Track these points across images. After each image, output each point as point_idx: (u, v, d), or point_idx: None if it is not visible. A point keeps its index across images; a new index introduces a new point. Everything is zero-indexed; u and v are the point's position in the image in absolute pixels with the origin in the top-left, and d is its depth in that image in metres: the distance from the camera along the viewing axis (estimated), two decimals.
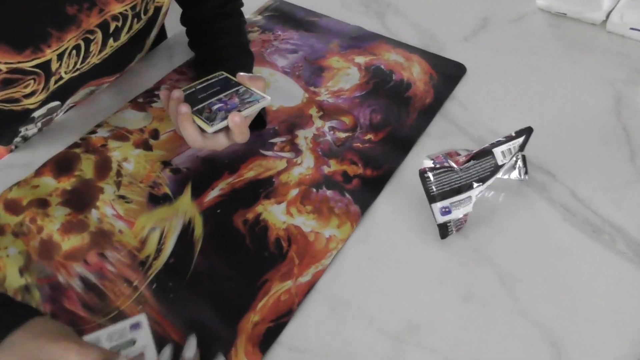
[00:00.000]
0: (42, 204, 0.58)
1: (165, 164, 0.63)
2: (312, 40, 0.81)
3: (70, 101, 0.66)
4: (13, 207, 0.58)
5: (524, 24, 0.86)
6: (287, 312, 0.51)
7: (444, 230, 0.56)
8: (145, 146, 0.65)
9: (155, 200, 0.59)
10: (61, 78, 0.58)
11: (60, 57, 0.55)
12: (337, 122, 0.69)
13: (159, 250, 0.55)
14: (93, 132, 0.66)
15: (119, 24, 0.60)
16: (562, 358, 0.49)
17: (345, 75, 0.75)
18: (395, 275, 0.54)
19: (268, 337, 0.49)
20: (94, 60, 0.61)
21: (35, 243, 0.55)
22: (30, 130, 0.65)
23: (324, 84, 0.74)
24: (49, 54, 0.54)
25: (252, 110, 0.58)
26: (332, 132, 0.68)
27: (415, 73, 0.76)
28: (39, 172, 0.61)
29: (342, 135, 0.67)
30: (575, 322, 0.51)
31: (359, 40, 0.81)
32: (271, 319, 0.51)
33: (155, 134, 0.66)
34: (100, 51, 0.61)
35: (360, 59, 0.78)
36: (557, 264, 0.55)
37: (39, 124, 0.65)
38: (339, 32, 0.83)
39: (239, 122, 0.56)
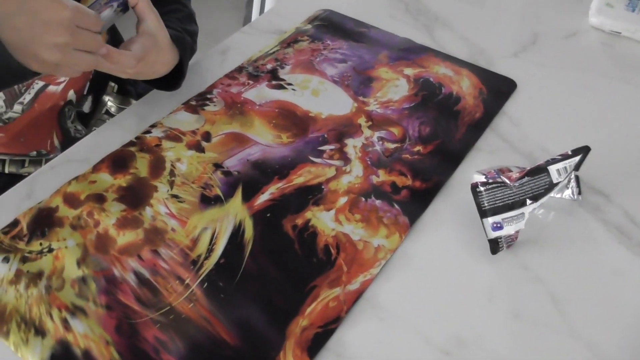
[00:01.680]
0: (99, 199, 0.60)
1: (217, 166, 0.64)
2: (361, 50, 0.82)
3: None
4: (71, 200, 0.60)
5: (576, 42, 0.85)
6: (336, 319, 0.51)
7: (494, 246, 0.56)
8: (198, 148, 0.66)
9: (207, 201, 0.61)
10: None
11: None
12: (386, 132, 0.69)
13: (210, 250, 0.56)
14: (147, 132, 0.68)
15: None
16: None
17: (394, 87, 0.76)
18: (443, 289, 0.54)
19: (316, 342, 0.50)
20: None
21: (92, 236, 0.57)
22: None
23: (373, 95, 0.74)
24: None
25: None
26: (381, 142, 0.68)
27: (465, 87, 0.76)
28: (96, 168, 0.63)
29: (391, 146, 0.68)
30: (628, 346, 0.50)
31: (408, 52, 0.82)
32: (319, 325, 0.51)
33: (207, 137, 0.68)
34: None
35: (409, 71, 0.78)
36: (611, 287, 0.54)
37: (1, 94, 0.67)
38: (387, 43, 0.83)
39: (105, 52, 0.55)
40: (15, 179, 0.67)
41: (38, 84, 0.71)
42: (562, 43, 0.84)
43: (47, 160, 0.77)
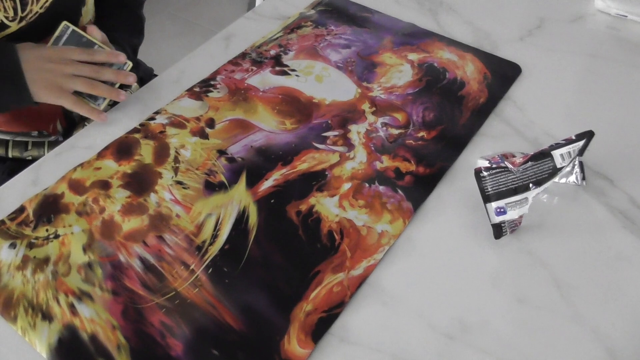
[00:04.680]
0: (104, 185, 0.60)
1: (221, 152, 0.64)
2: (365, 35, 0.81)
3: None
4: (77, 187, 0.60)
5: (582, 25, 0.84)
6: (339, 303, 0.52)
7: (498, 231, 0.56)
8: (202, 134, 0.66)
9: (211, 187, 0.61)
10: (7, 26, 0.61)
11: None
12: (389, 118, 0.69)
13: (214, 236, 0.57)
14: (152, 118, 0.68)
15: None
16: None
17: (398, 72, 0.75)
18: (447, 274, 0.54)
19: (320, 327, 0.50)
20: (36, 8, 0.63)
21: (97, 222, 0.57)
22: None
23: (376, 80, 0.74)
24: None
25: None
26: (384, 128, 0.68)
27: (469, 72, 0.75)
28: (101, 155, 0.64)
29: (395, 131, 0.67)
30: (632, 330, 0.50)
31: (412, 37, 0.81)
32: (323, 310, 0.51)
33: (211, 123, 0.68)
34: None
35: (413, 56, 0.78)
36: (615, 271, 0.54)
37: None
38: (391, 28, 0.82)
39: (124, 99, 0.66)
40: (20, 165, 0.68)
41: None
42: (567, 27, 0.83)
43: (49, 143, 0.77)
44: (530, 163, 0.56)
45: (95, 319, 0.50)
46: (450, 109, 0.70)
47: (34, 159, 0.65)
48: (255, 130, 0.67)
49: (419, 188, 0.61)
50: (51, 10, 0.67)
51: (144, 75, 0.89)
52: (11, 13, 0.61)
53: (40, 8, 0.65)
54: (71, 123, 0.78)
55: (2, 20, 0.61)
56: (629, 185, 0.61)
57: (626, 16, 0.83)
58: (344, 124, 0.68)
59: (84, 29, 0.68)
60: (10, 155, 0.75)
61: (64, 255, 0.55)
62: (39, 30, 0.66)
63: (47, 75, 0.62)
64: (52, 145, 0.77)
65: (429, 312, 0.52)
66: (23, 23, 0.63)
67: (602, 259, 0.55)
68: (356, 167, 0.63)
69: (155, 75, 0.89)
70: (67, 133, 0.77)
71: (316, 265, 0.54)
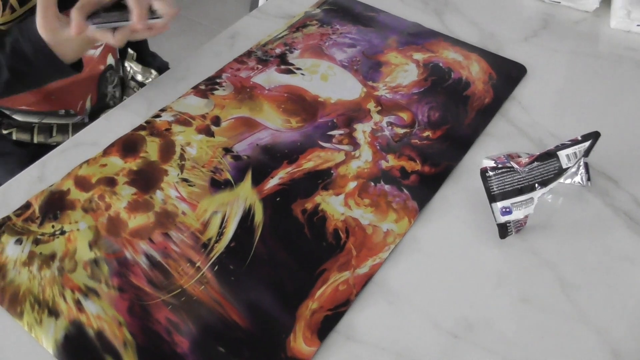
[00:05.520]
0: (110, 182, 0.61)
1: (227, 150, 0.65)
2: (370, 35, 0.81)
3: None
4: (83, 183, 0.60)
5: (587, 26, 0.84)
6: (345, 302, 0.52)
7: (503, 230, 0.56)
8: (207, 132, 0.66)
9: (217, 185, 0.61)
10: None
11: None
12: (395, 117, 0.69)
13: (220, 234, 0.57)
14: (157, 115, 0.68)
15: None
16: None
17: (404, 72, 0.75)
18: (452, 273, 0.55)
19: (326, 325, 0.50)
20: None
21: (103, 219, 0.57)
22: None
23: (382, 79, 0.74)
24: None
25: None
26: (390, 127, 0.68)
27: (474, 72, 0.75)
28: (106, 152, 0.64)
29: (400, 131, 0.68)
30: (637, 331, 0.50)
31: (417, 37, 0.81)
32: (329, 308, 0.51)
33: (216, 121, 0.68)
34: None
35: (419, 56, 0.78)
36: (619, 272, 0.54)
37: None
38: (396, 28, 0.83)
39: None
40: (43, 150, 0.67)
41: None
42: (572, 27, 0.84)
43: (74, 127, 0.77)
44: (536, 163, 0.56)
45: (101, 315, 0.50)
46: (456, 109, 0.70)
47: (58, 144, 0.65)
48: (260, 129, 0.67)
49: (425, 187, 0.61)
50: None
51: (161, 66, 0.90)
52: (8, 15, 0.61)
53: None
54: (102, 102, 0.78)
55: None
56: (634, 187, 0.61)
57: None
58: (349, 123, 0.68)
59: None
60: (35, 140, 0.75)
61: (70, 252, 0.55)
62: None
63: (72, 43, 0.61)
64: (77, 128, 0.76)
65: (434, 311, 0.52)
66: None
67: (606, 260, 0.55)
68: (362, 166, 0.63)
69: (166, 67, 0.90)
70: (95, 114, 0.77)
71: (322, 263, 0.55)
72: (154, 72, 0.86)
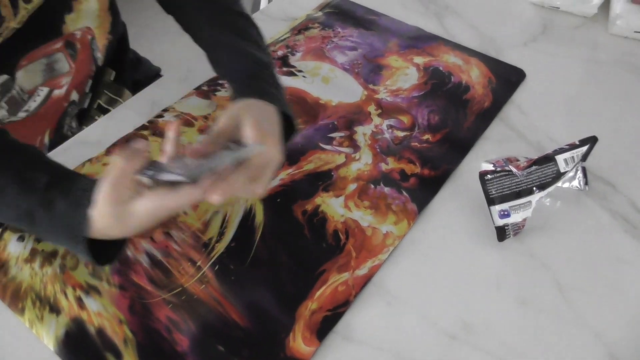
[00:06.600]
0: None
1: None
2: (371, 38, 0.82)
3: (22, 76, 0.63)
4: None
5: (586, 31, 0.84)
6: (344, 302, 0.52)
7: (501, 233, 0.57)
8: None
9: None
10: None
11: None
12: (395, 120, 0.70)
13: (221, 234, 0.57)
14: (160, 116, 0.69)
15: None
16: None
17: (404, 75, 0.76)
18: (450, 275, 0.55)
19: (325, 325, 0.51)
20: (12, 24, 0.57)
21: None
22: None
23: (382, 82, 0.75)
24: None
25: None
26: (390, 130, 0.68)
27: (474, 76, 0.76)
28: (109, 151, 0.64)
29: (400, 134, 0.68)
30: (633, 333, 0.51)
31: (418, 40, 0.82)
32: (328, 309, 0.52)
33: None
34: (14, 14, 0.56)
35: (419, 60, 0.78)
36: (616, 275, 0.55)
37: (3, 104, 0.63)
38: (397, 31, 0.83)
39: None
40: None
41: (43, 91, 0.67)
42: (571, 33, 0.84)
43: None
44: (534, 167, 0.57)
45: (102, 312, 0.51)
46: (455, 113, 0.71)
47: None
48: None
49: (424, 190, 0.62)
50: (30, 24, 0.59)
51: (140, 76, 0.82)
52: None
53: (18, 24, 0.58)
54: (59, 135, 0.73)
55: None
56: (631, 191, 0.62)
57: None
58: (350, 125, 0.69)
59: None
60: None
61: None
62: (15, 43, 0.59)
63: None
64: None
65: (432, 313, 0.52)
66: None
67: (603, 262, 0.56)
68: (362, 168, 0.64)
69: (161, 76, 0.88)
70: (54, 147, 0.69)
71: (321, 264, 0.55)
72: (126, 92, 0.78)
